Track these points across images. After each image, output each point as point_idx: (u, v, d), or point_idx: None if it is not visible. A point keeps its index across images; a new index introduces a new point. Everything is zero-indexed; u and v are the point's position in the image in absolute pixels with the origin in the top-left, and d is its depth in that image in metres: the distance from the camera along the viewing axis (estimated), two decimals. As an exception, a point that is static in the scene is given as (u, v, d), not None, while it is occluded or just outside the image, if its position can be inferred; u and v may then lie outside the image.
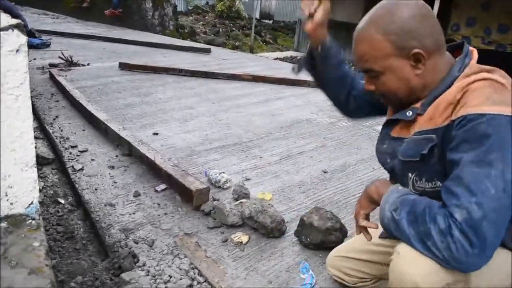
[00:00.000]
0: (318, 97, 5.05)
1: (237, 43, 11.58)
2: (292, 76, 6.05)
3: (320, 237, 1.95)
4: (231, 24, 13.00)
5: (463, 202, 0.95)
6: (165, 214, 2.21)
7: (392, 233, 1.09)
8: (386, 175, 1.37)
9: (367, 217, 1.30)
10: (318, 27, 1.35)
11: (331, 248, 1.95)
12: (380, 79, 1.15)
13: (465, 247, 0.93)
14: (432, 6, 8.26)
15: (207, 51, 6.90)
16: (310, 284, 1.74)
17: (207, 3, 15.65)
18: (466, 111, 1.00)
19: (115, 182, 2.52)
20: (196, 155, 2.99)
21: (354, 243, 1.65)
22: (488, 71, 1.08)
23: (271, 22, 16.99)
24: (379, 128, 1.36)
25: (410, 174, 1.16)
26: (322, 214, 2.01)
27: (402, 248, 1.05)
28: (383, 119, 1.36)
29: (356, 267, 1.59)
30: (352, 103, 1.54)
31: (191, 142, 3.23)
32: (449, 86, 1.09)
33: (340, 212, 2.32)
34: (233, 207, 2.18)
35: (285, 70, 6.57)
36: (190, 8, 15.17)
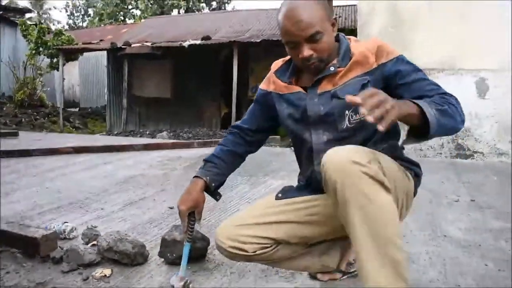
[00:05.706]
0: (147, 156, 5.12)
1: (44, 131, 10.85)
2: (116, 142, 6.00)
3: (186, 248, 1.98)
4: (35, 113, 12.11)
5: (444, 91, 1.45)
6: (7, 273, 1.94)
7: (436, 126, 1.33)
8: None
9: None
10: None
11: (199, 256, 2.02)
12: (321, 40, 1.46)
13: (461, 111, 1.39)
14: (231, 75, 9.28)
15: (15, 134, 6.32)
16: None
17: (3, 94, 14.21)
18: (395, 54, 1.51)
19: None
20: (29, 219, 2.70)
21: (250, 212, 1.68)
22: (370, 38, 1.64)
23: (77, 110, 16.43)
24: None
25: (347, 112, 1.50)
26: (181, 230, 2.06)
27: (332, 149, 1.33)
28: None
29: (255, 233, 1.58)
30: (255, 145, 1.88)
31: (18, 210, 2.90)
32: (348, 47, 1.54)
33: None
34: (88, 247, 2.06)
35: (106, 140, 6.46)
36: (-19, 103, 13.50)
